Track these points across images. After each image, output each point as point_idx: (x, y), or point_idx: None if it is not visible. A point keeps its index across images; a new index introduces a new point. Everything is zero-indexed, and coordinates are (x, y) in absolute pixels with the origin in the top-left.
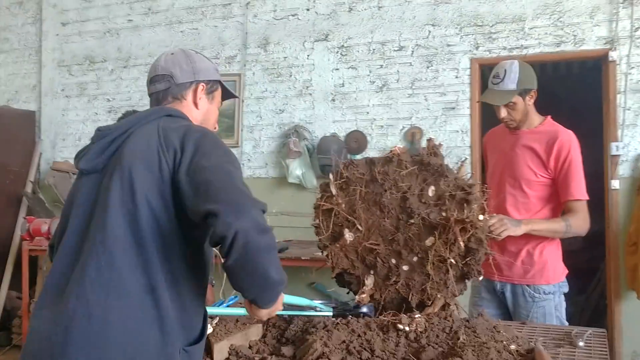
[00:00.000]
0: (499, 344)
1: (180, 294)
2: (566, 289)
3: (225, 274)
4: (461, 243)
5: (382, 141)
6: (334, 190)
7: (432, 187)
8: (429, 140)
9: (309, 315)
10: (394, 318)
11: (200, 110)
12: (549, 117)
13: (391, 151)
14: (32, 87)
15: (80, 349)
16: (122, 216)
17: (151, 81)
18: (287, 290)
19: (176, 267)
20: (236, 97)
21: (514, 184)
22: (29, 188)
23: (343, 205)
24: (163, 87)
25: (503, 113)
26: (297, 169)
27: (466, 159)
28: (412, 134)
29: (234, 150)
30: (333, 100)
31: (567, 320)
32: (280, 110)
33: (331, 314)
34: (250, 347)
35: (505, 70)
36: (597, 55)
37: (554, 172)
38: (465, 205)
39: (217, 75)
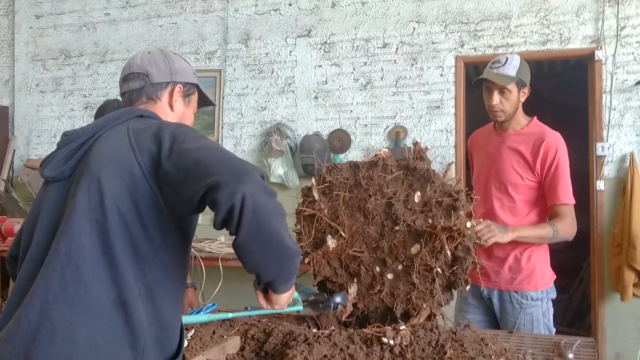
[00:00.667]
0: (487, 359)
1: (155, 308)
2: (554, 295)
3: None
4: (448, 252)
5: (366, 140)
6: (316, 195)
7: (418, 193)
8: (415, 143)
9: (275, 313)
10: (377, 331)
11: (176, 113)
12: (534, 118)
13: (376, 155)
14: (5, 82)
15: None
16: (90, 225)
17: (124, 79)
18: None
19: (151, 279)
20: (213, 104)
21: (499, 187)
22: (1, 186)
23: (326, 211)
24: (137, 85)
25: (495, 100)
26: (279, 168)
27: (453, 162)
28: (397, 133)
29: None
30: (316, 97)
31: None
32: (261, 107)
33: (301, 307)
34: None
35: (506, 58)
36: (583, 54)
37: (541, 175)
38: (452, 212)
39: (195, 79)
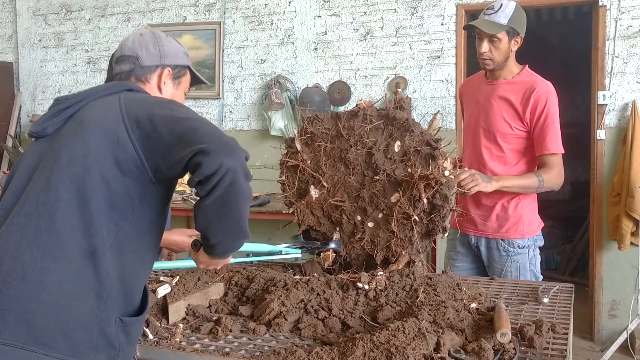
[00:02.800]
0: (458, 303)
1: (122, 262)
2: (541, 243)
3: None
4: (425, 200)
5: (366, 92)
6: (298, 146)
7: (398, 143)
8: (396, 92)
9: (276, 260)
10: (353, 277)
11: (164, 95)
12: (526, 66)
13: (357, 105)
14: (9, 38)
15: (11, 311)
16: (69, 178)
17: (116, 61)
18: (271, 242)
19: (123, 234)
20: (205, 83)
21: (488, 136)
22: (9, 142)
23: (308, 162)
24: (127, 68)
25: (484, 47)
26: (279, 121)
27: (439, 111)
28: (397, 84)
29: (214, 102)
30: (316, 49)
31: (554, 269)
32: (261, 60)
33: (300, 254)
34: (209, 306)
35: (501, 5)
36: (587, 1)
37: (530, 124)
38: (431, 161)
39: (186, 60)
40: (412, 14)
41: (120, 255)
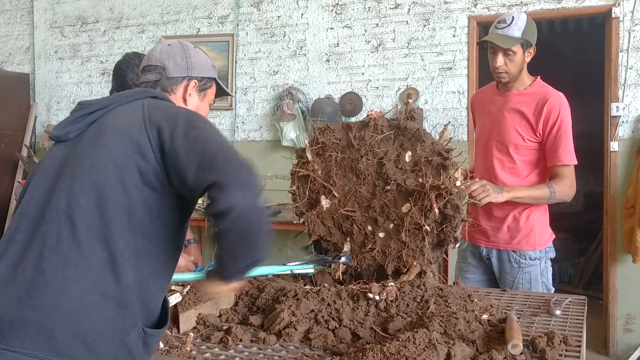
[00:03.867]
0: (469, 314)
1: (140, 274)
2: (553, 255)
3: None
4: (436, 210)
5: (378, 103)
6: (309, 156)
7: (409, 153)
8: (407, 103)
9: (290, 274)
10: (364, 287)
11: (189, 107)
12: (538, 77)
13: (368, 115)
14: (26, 49)
15: (33, 320)
16: (89, 185)
17: (143, 70)
18: (282, 252)
19: (141, 245)
20: (231, 95)
21: (501, 148)
22: (24, 152)
23: (319, 172)
24: (153, 78)
25: (500, 61)
26: (291, 132)
27: (449, 122)
28: (408, 95)
29: (227, 113)
30: (327, 60)
31: (567, 282)
32: (274, 71)
33: (312, 270)
34: (220, 315)
35: (512, 17)
36: (600, 12)
37: (543, 135)
38: (442, 171)
39: (212, 73)
40: (424, 26)
41: (137, 266)
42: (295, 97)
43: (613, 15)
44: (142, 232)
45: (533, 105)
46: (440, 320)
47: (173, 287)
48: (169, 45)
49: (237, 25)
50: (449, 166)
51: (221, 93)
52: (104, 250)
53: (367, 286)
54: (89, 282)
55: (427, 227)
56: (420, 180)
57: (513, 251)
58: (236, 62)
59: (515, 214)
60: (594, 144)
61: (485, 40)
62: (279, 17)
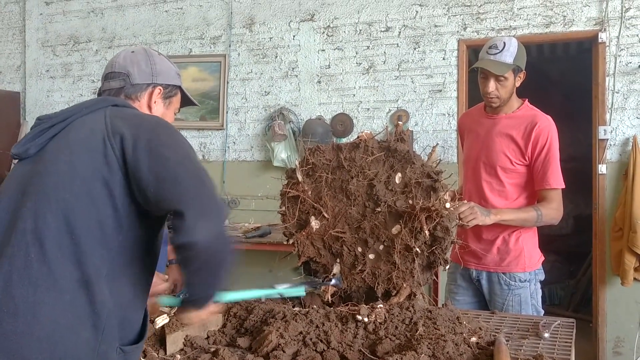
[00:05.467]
0: (458, 337)
1: (119, 291)
2: (542, 277)
3: None
4: (426, 232)
5: (368, 124)
6: (300, 177)
7: (399, 174)
8: (397, 125)
9: (280, 297)
10: (353, 309)
11: (154, 114)
12: (526, 101)
13: (358, 136)
14: (17, 68)
15: (4, 348)
16: (56, 204)
17: (105, 78)
18: (272, 274)
19: (117, 262)
20: (196, 104)
21: (489, 171)
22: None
23: (309, 192)
24: (117, 85)
25: (491, 87)
26: (282, 152)
27: (437, 144)
28: (398, 117)
29: (218, 133)
30: (319, 82)
31: (557, 304)
32: (265, 92)
33: (303, 293)
34: (208, 337)
35: (504, 43)
36: (587, 37)
37: (531, 159)
38: (432, 193)
39: (177, 80)
40: (414, 49)
41: (116, 283)
42: (286, 117)
43: (600, 40)
44: (116, 247)
45: (522, 129)
46: (429, 343)
47: (160, 309)
48: (133, 52)
49: (229, 46)
50: (438, 188)
51: (186, 102)
52: (77, 270)
53: (356, 308)
54: (62, 304)
55: (417, 249)
56: (411, 202)
57: (503, 273)
58: (228, 83)
59: (504, 235)
60: (582, 167)
61: (477, 68)
62: (270, 38)
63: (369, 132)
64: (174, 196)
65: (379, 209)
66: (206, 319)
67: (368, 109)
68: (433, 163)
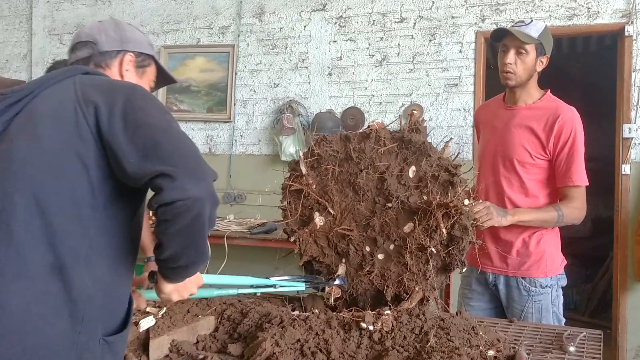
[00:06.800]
0: (474, 350)
1: (100, 274)
2: (564, 282)
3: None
4: (443, 230)
5: (381, 119)
6: (303, 169)
7: (413, 167)
8: (411, 114)
9: (280, 292)
10: (356, 315)
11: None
12: (548, 91)
13: (369, 126)
14: (23, 57)
15: None
16: (23, 181)
17: (72, 49)
18: (277, 271)
19: (95, 241)
20: (175, 81)
21: (507, 166)
22: None
23: (314, 186)
24: (85, 54)
25: (510, 58)
26: (290, 147)
27: (451, 139)
28: (412, 112)
29: (225, 125)
30: (330, 74)
31: (573, 309)
32: (274, 84)
33: (304, 288)
34: (197, 342)
35: (531, 19)
36: (612, 30)
37: (553, 153)
38: (449, 188)
39: (150, 50)
40: (430, 41)
41: (95, 267)
42: (295, 110)
43: (626, 34)
44: (94, 226)
45: (543, 121)
46: (441, 357)
47: (148, 309)
48: (100, 22)
49: (238, 36)
50: (457, 183)
51: (165, 80)
52: (49, 254)
53: (361, 314)
54: (34, 292)
55: (433, 249)
56: (426, 197)
57: (522, 278)
58: (236, 74)
59: (524, 237)
60: (601, 168)
61: (502, 29)
62: (281, 28)
63: (380, 121)
64: (158, 160)
65: (390, 205)
66: (186, 295)
67: (380, 102)
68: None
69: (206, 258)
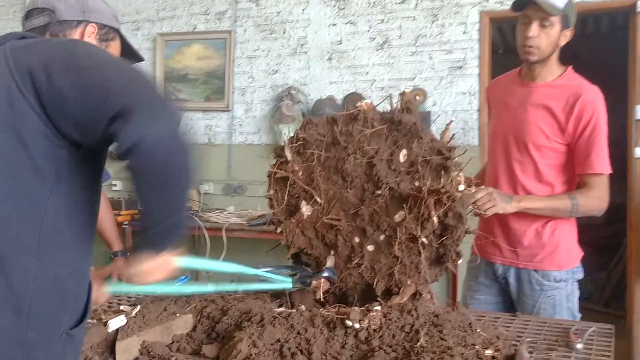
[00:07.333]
0: (468, 349)
1: (53, 260)
2: (580, 275)
3: None
4: (435, 219)
5: (383, 104)
6: (289, 155)
7: (404, 151)
8: (403, 93)
9: (265, 289)
10: (340, 312)
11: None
12: (569, 68)
13: (356, 107)
14: None
15: None
16: None
17: (26, 16)
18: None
19: (45, 223)
20: (142, 59)
21: (520, 148)
22: None
23: (300, 173)
24: (41, 22)
25: (534, 31)
26: (289, 135)
27: (452, 121)
28: (415, 97)
29: (224, 115)
30: (330, 59)
31: (587, 298)
32: (273, 70)
33: (290, 285)
34: (172, 342)
35: None
36: (624, 6)
37: (573, 137)
38: (442, 172)
39: (115, 23)
40: (432, 22)
41: (47, 252)
42: (295, 97)
43: (638, 10)
44: (42, 206)
45: (563, 101)
46: (431, 358)
47: (122, 307)
48: None
49: (235, 22)
50: (450, 167)
51: (131, 58)
52: None
53: (346, 311)
54: None
55: (424, 240)
56: (417, 183)
57: (535, 271)
58: (233, 61)
59: (537, 227)
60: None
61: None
62: (278, 12)
63: (369, 101)
64: (112, 99)
65: (379, 192)
66: (161, 276)
67: (382, 87)
68: (447, 142)
69: (181, 220)
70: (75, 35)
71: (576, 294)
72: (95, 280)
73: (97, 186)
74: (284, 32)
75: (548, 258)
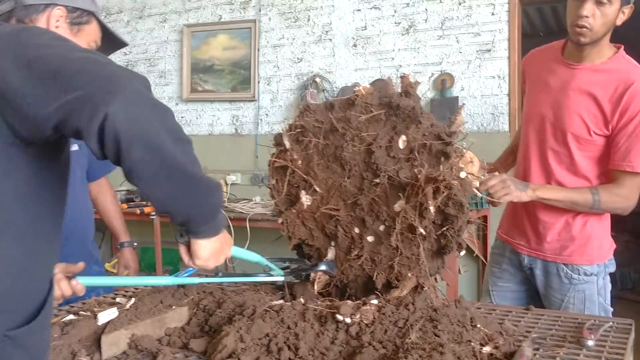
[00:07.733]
0: (464, 346)
1: (4, 253)
2: (613, 268)
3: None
4: (431, 208)
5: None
6: (287, 143)
7: (403, 137)
8: (403, 76)
9: (257, 282)
10: (331, 306)
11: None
12: (621, 49)
13: (355, 92)
14: None
15: None
16: None
17: None
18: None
19: (4, 222)
20: (125, 44)
21: (558, 137)
22: None
23: (299, 162)
24: (6, 8)
25: (588, 9)
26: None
27: (464, 104)
28: (442, 82)
29: (250, 105)
30: (354, 45)
31: (629, 289)
32: (298, 59)
33: (282, 278)
34: (165, 335)
35: None
36: None
37: (615, 129)
38: (442, 159)
39: (90, 6)
40: (459, 4)
41: (7, 250)
42: (320, 86)
43: None
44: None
45: (611, 89)
46: (420, 355)
47: (118, 299)
48: None
49: (260, 10)
50: (450, 153)
51: (113, 44)
52: None
53: (337, 305)
54: None
55: (422, 230)
56: (416, 170)
57: (564, 264)
58: (259, 50)
59: (567, 218)
60: None
61: None
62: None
63: (368, 86)
64: (60, 88)
65: (378, 181)
66: (222, 259)
67: (409, 73)
68: (458, 128)
69: (204, 180)
70: (42, 19)
71: (608, 286)
72: (62, 277)
73: (57, 184)
74: (309, 20)
75: (578, 252)
